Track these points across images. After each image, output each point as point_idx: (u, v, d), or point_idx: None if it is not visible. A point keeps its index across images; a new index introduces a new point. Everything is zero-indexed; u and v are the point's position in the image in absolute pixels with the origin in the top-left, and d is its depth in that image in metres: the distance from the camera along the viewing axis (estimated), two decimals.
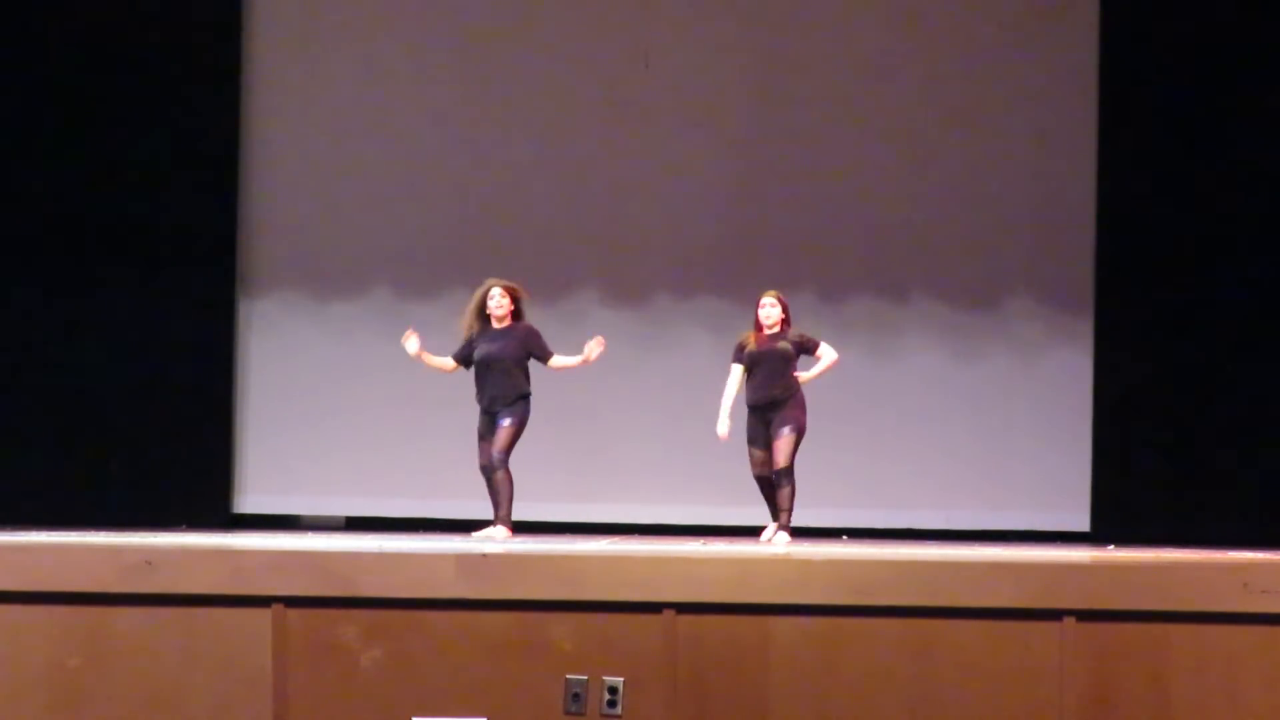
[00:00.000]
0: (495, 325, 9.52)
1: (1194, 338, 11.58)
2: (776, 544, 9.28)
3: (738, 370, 9.53)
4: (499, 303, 9.48)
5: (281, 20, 12.00)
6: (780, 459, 9.41)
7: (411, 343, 9.61)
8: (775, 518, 9.45)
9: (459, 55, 11.96)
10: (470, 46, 11.96)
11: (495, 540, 9.21)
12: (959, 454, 11.82)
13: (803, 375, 9.48)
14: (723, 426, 9.49)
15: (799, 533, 9.59)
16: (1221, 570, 6.93)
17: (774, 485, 9.44)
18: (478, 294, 9.55)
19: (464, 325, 9.57)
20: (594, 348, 9.59)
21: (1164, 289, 11.63)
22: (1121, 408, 11.67)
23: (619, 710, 6.76)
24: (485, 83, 11.94)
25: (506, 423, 9.43)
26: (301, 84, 11.97)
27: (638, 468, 11.79)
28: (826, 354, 9.55)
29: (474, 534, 9.45)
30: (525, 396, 9.49)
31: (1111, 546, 10.08)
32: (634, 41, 11.90)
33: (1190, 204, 11.62)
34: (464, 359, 9.56)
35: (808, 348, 9.53)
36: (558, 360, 9.59)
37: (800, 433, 9.40)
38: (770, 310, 9.51)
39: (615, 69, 11.94)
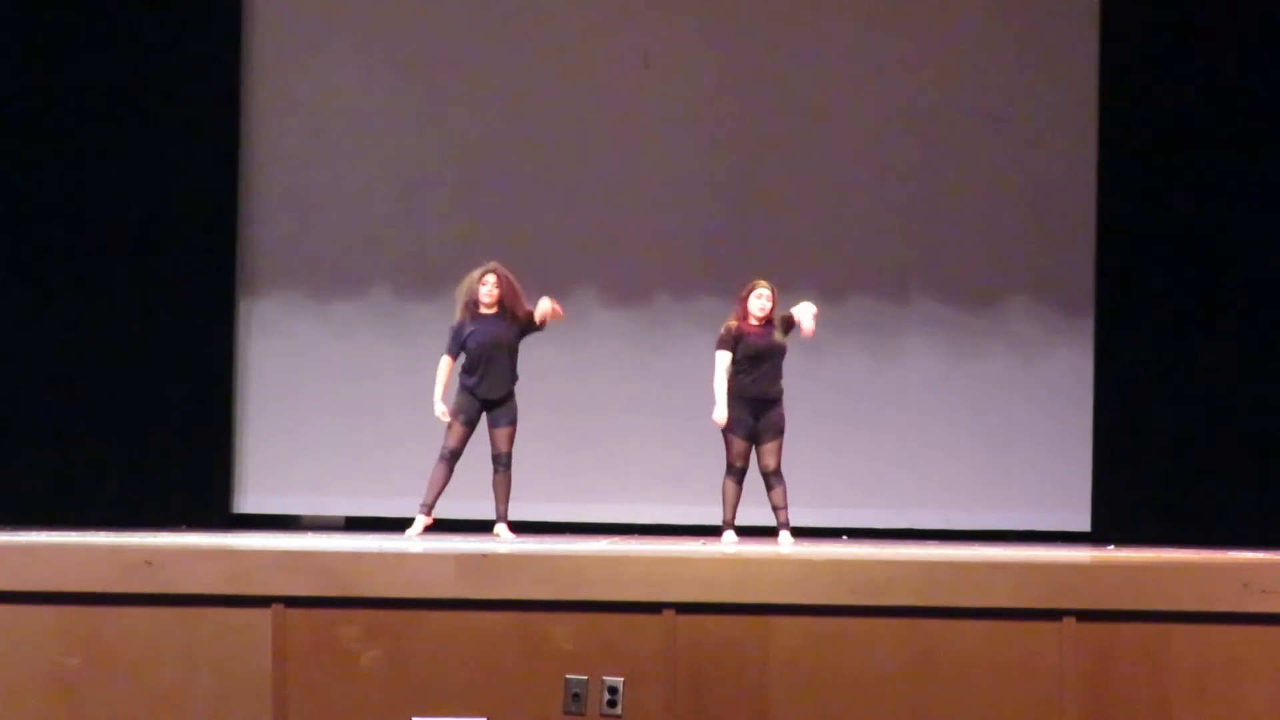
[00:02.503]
0: (485, 310, 9.49)
1: (1194, 337, 11.57)
2: (782, 542, 9.28)
3: (727, 358, 9.44)
4: (489, 290, 9.47)
5: (282, 21, 12.00)
6: (773, 461, 9.41)
7: (439, 408, 9.54)
8: (728, 517, 9.41)
9: (458, 55, 11.96)
10: (470, 46, 11.97)
11: (504, 539, 9.25)
12: (959, 454, 11.82)
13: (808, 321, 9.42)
14: (722, 413, 9.40)
15: (799, 533, 9.59)
16: (1221, 570, 6.93)
17: (766, 486, 9.44)
18: (470, 281, 9.51)
19: (459, 312, 9.53)
20: (546, 303, 9.50)
21: (1164, 289, 11.63)
22: (1122, 408, 11.67)
23: (619, 710, 6.76)
24: (485, 82, 11.94)
25: (506, 423, 9.44)
26: (302, 84, 11.98)
27: (638, 468, 11.79)
28: (801, 313, 9.48)
29: (488, 535, 9.48)
30: (513, 390, 9.48)
31: (1111, 546, 10.08)
32: (634, 41, 11.90)
33: (1191, 204, 11.62)
34: (457, 352, 9.51)
35: (791, 326, 9.52)
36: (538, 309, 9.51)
37: (784, 433, 9.45)
38: (765, 303, 9.48)
39: (614, 68, 11.94)
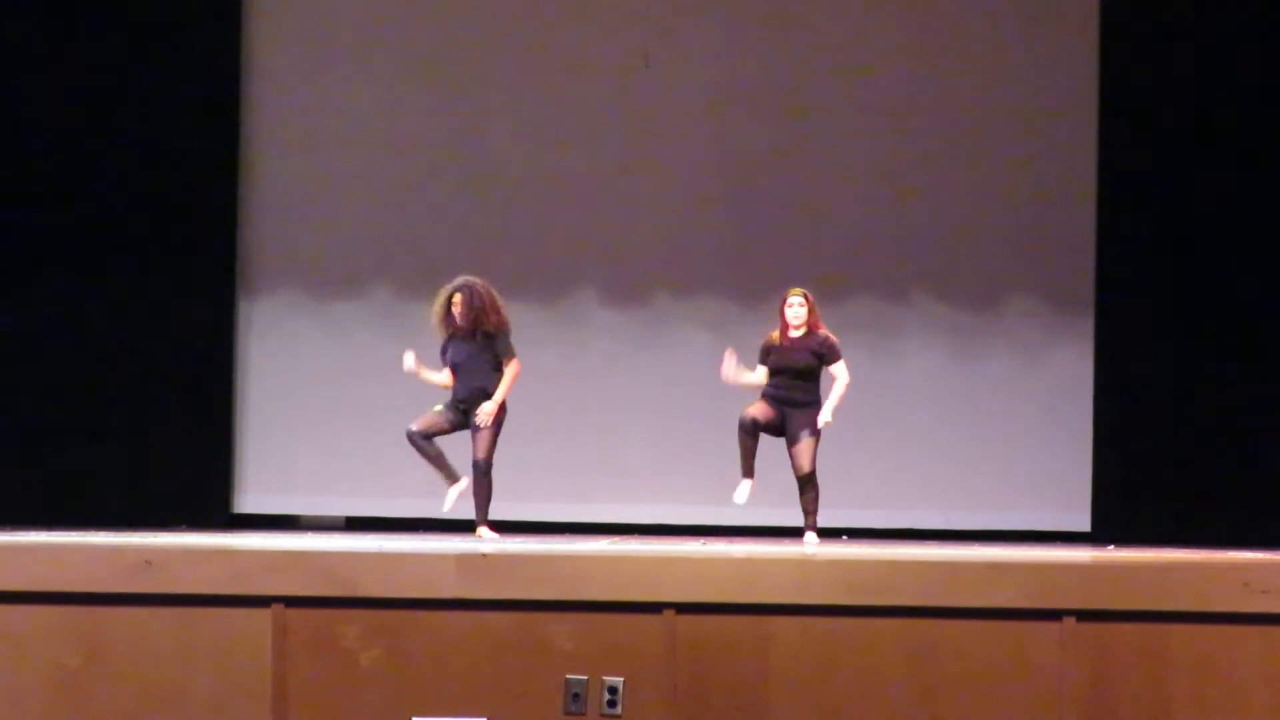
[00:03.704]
0: (460, 324, 9.49)
1: (1194, 337, 11.57)
2: (807, 543, 9.27)
3: (763, 371, 9.45)
4: (458, 310, 9.45)
5: (282, 21, 11.99)
6: (805, 463, 9.33)
7: (408, 358, 9.55)
8: (746, 467, 9.30)
9: (458, 55, 11.95)
10: (470, 46, 11.96)
11: (487, 539, 9.25)
12: (959, 454, 11.81)
13: (823, 417, 9.35)
14: (751, 375, 9.42)
15: (797, 532, 9.58)
16: (1221, 570, 6.93)
17: (799, 489, 9.40)
18: (440, 298, 9.51)
19: (435, 328, 9.55)
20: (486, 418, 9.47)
21: (1164, 289, 11.63)
22: (1122, 408, 11.66)
23: (619, 710, 6.77)
24: (485, 82, 11.93)
25: (486, 428, 9.38)
26: (301, 84, 11.96)
27: (638, 468, 11.78)
28: (840, 378, 9.43)
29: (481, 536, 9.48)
30: (489, 391, 9.45)
31: (1111, 546, 10.08)
32: (634, 41, 11.90)
33: (1191, 204, 11.62)
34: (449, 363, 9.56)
35: (827, 359, 9.44)
36: (508, 371, 9.50)
37: (819, 436, 9.38)
38: (799, 310, 9.41)
39: (615, 69, 11.94)
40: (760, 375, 9.46)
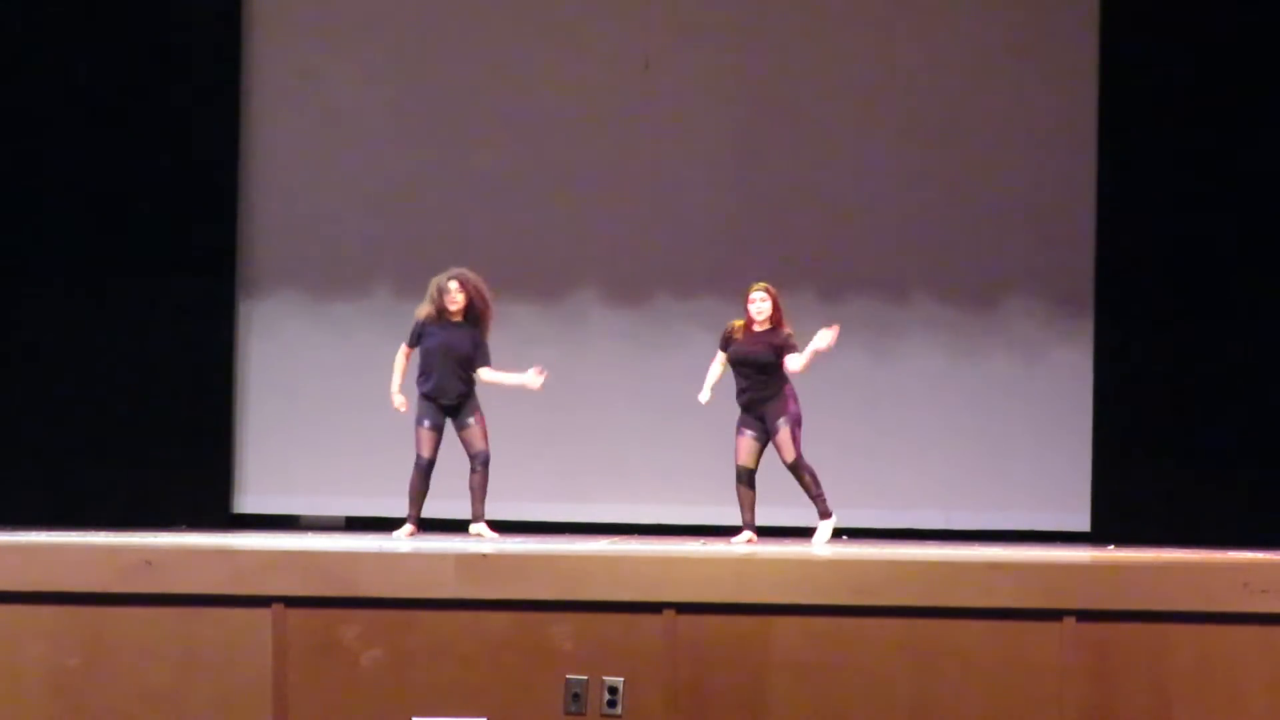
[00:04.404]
0: (450, 317, 9.50)
1: (1194, 337, 11.57)
2: (818, 536, 9.26)
3: (721, 357, 9.48)
4: (453, 297, 9.47)
5: (281, 22, 11.99)
6: (788, 454, 9.32)
7: (397, 399, 9.59)
8: (746, 518, 9.38)
9: (458, 55, 11.95)
10: (470, 46, 11.96)
11: (487, 537, 9.25)
12: (959, 454, 11.81)
13: (796, 362, 9.27)
14: (705, 395, 9.46)
15: (798, 533, 9.59)
16: (1221, 570, 6.94)
17: (795, 479, 9.37)
18: (435, 283, 9.53)
19: (424, 308, 9.56)
20: (535, 377, 9.52)
21: (1164, 289, 11.63)
22: (1122, 408, 11.66)
23: (619, 710, 6.77)
24: (485, 83, 11.93)
25: (473, 422, 9.41)
26: (301, 84, 11.96)
27: (638, 468, 11.79)
28: (791, 365, 9.32)
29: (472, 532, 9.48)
30: (473, 388, 9.48)
31: (1111, 546, 10.09)
32: (634, 42, 11.90)
33: (1190, 203, 11.62)
34: (414, 345, 9.55)
35: (784, 354, 9.32)
36: (488, 374, 9.53)
37: (797, 421, 9.33)
38: (761, 305, 9.38)
39: (615, 70, 11.94)
40: (715, 372, 9.47)
